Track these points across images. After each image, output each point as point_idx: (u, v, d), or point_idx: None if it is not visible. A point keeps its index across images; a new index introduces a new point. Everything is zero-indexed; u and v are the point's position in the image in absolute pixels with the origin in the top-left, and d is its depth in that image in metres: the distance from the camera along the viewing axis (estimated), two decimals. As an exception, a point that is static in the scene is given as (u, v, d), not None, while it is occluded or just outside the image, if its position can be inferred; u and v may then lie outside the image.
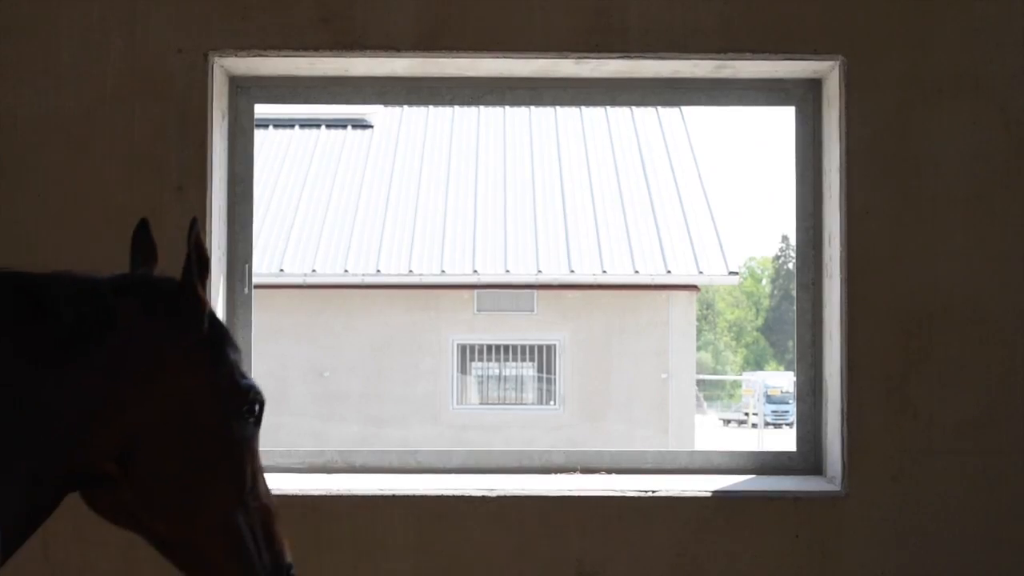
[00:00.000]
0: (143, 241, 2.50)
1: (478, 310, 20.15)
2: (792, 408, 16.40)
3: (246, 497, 2.34)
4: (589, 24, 3.80)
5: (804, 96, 4.06)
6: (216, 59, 3.78)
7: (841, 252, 3.81)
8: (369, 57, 3.83)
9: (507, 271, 19.37)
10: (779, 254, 69.00)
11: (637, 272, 19.20)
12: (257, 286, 4.14)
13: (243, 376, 2.37)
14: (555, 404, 19.92)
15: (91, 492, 2.27)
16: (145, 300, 2.30)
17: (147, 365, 2.23)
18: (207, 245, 2.40)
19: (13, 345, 2.13)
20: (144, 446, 2.22)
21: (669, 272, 19.15)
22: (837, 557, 3.74)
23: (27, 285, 2.22)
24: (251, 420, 2.35)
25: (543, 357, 20.28)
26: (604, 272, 19.18)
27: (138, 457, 2.21)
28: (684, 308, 19.90)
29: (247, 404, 2.33)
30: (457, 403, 20.07)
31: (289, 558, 2.40)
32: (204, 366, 2.30)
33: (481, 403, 20.52)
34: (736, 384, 43.32)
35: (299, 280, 18.30)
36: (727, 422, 39.56)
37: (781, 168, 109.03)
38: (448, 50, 3.81)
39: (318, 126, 22.24)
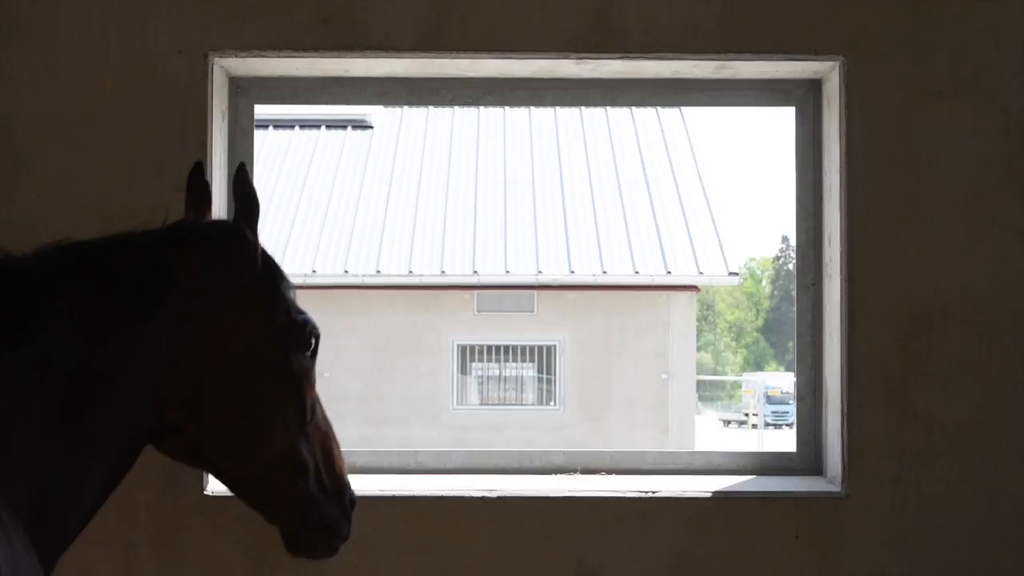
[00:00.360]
0: (197, 186, 2.55)
1: (478, 311, 20.17)
2: (792, 409, 16.44)
3: (308, 427, 2.43)
4: (589, 25, 3.80)
5: (804, 97, 4.06)
6: (216, 60, 3.78)
7: (841, 253, 3.81)
8: (369, 58, 3.83)
9: (507, 272, 19.39)
10: (779, 255, 69.03)
11: (637, 273, 19.22)
12: (257, 287, 4.14)
13: (299, 311, 2.45)
14: (555, 405, 19.93)
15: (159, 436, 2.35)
16: (200, 248, 2.36)
17: (207, 312, 2.30)
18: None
19: (78, 318, 2.17)
20: (209, 389, 2.30)
21: (669, 273, 19.18)
22: (837, 558, 3.74)
23: (86, 255, 2.27)
24: (308, 353, 2.43)
25: (543, 358, 20.29)
26: (604, 273, 19.20)
27: (204, 400, 2.30)
28: (684, 309, 19.92)
29: (304, 338, 2.42)
30: (457, 404, 20.09)
31: (348, 480, 2.51)
32: (261, 305, 2.38)
33: (481, 404, 20.54)
34: (736, 385, 43.32)
35: (299, 280, 17.91)
36: (727, 423, 39.57)
37: (781, 168, 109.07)
38: (448, 51, 3.81)
39: (318, 127, 22.27)
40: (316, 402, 2.47)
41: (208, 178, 3.73)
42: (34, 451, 2.07)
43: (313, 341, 2.45)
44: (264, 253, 2.44)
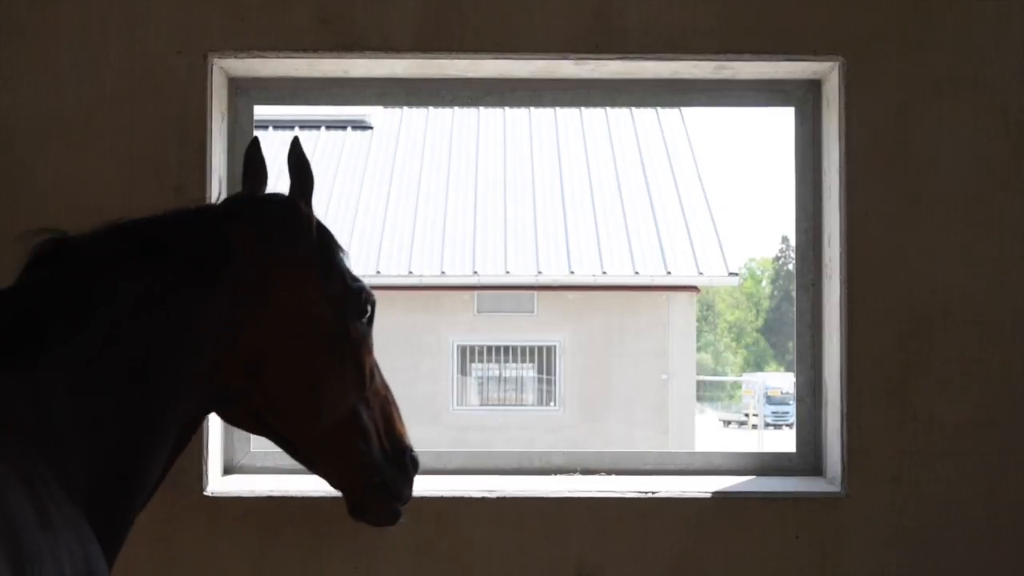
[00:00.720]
0: (254, 161, 2.62)
1: (478, 311, 20.17)
2: (792, 409, 16.43)
3: (367, 392, 2.50)
4: (588, 25, 3.80)
5: (804, 97, 4.06)
6: (215, 60, 3.78)
7: (841, 253, 3.81)
8: (369, 58, 3.83)
9: (507, 272, 19.38)
10: (779, 255, 69.03)
11: (637, 273, 19.21)
12: (257, 287, 4.13)
13: (354, 279, 2.52)
14: (555, 405, 19.92)
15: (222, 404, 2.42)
16: (256, 221, 2.43)
17: (265, 284, 2.36)
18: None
19: (141, 293, 2.23)
20: (269, 358, 2.36)
21: (669, 273, 19.17)
22: (837, 558, 3.74)
23: (144, 232, 2.33)
24: (364, 320, 2.51)
25: (543, 358, 20.29)
26: (604, 273, 19.20)
27: (265, 369, 2.36)
28: (684, 309, 19.91)
29: (360, 305, 2.50)
30: (457, 404, 20.09)
31: (409, 442, 2.58)
32: (317, 274, 2.44)
33: (481, 404, 20.54)
34: (736, 385, 43.32)
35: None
36: (727, 423, 39.57)
37: (781, 169, 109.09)
38: (447, 51, 3.81)
39: (318, 127, 22.27)
40: (375, 368, 2.55)
41: (208, 176, 3.75)
42: (104, 421, 2.13)
43: (369, 308, 2.52)
44: (319, 223, 2.51)
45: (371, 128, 22.48)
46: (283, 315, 2.37)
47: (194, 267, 2.30)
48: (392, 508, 2.61)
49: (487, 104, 4.15)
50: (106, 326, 2.17)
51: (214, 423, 3.77)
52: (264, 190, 2.59)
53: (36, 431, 2.03)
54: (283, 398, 2.39)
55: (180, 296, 2.27)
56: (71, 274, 2.21)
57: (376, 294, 2.60)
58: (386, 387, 2.59)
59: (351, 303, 2.49)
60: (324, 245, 2.50)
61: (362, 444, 2.49)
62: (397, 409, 2.60)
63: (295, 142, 2.48)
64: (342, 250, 2.54)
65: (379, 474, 2.53)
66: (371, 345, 2.54)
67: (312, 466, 2.55)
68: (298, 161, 2.48)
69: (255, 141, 2.64)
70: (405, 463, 2.58)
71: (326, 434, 2.46)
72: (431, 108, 19.89)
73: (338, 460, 2.51)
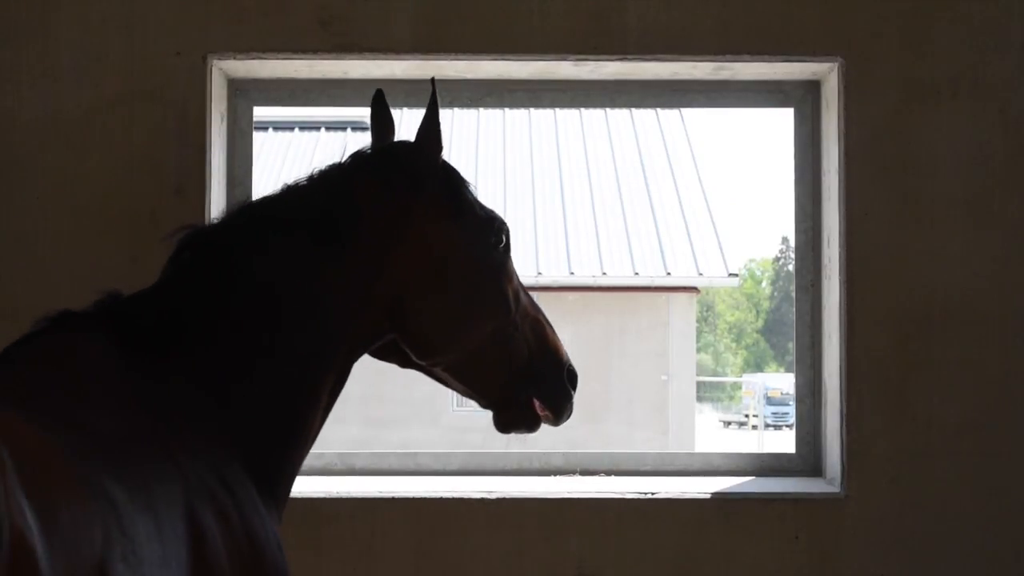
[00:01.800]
0: (380, 113, 2.70)
1: (478, 312, 20.11)
2: (792, 410, 16.37)
3: (514, 316, 2.57)
4: (588, 26, 3.80)
5: (803, 98, 4.06)
6: (215, 62, 3.78)
7: (840, 253, 3.81)
8: (368, 59, 3.83)
9: (507, 273, 19.32)
10: (779, 255, 69.00)
11: (637, 274, 19.20)
12: (257, 288, 4.13)
13: (484, 209, 2.59)
14: (555, 406, 19.87)
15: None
16: (381, 170, 2.51)
17: (396, 230, 2.45)
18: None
19: (274, 269, 2.36)
20: (412, 297, 2.47)
21: (669, 274, 19.15)
22: (836, 559, 3.74)
23: (274, 207, 2.44)
24: (500, 247, 2.58)
25: (543, 359, 20.22)
26: (604, 274, 19.18)
27: (407, 311, 2.47)
28: (684, 310, 19.89)
29: (494, 234, 2.57)
30: (457, 405, 20.07)
31: (566, 357, 2.66)
32: (448, 212, 2.52)
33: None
34: (736, 386, 43.30)
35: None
36: (727, 424, 39.56)
37: (780, 169, 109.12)
38: (447, 52, 3.81)
39: (318, 128, 22.26)
40: (519, 291, 2.62)
41: (207, 177, 3.75)
42: (258, 391, 2.28)
43: (504, 236, 2.59)
44: (445, 162, 2.57)
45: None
46: (418, 256, 2.46)
47: (323, 230, 2.39)
48: (538, 420, 2.68)
49: (486, 105, 4.15)
50: (248, 303, 2.31)
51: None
52: (391, 140, 2.67)
53: (199, 411, 2.18)
54: (428, 334, 2.49)
55: (314, 260, 2.38)
56: (209, 261, 2.34)
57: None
58: (536, 308, 2.66)
59: (484, 234, 2.56)
60: (452, 182, 2.57)
61: (509, 367, 2.58)
62: (550, 327, 2.67)
63: (432, 82, 2.57)
64: (470, 184, 2.62)
65: (525, 391, 2.61)
66: (511, 271, 2.61)
67: (461, 390, 2.65)
68: (429, 104, 2.55)
69: (379, 94, 2.71)
70: (562, 379, 2.65)
71: (473, 362, 2.56)
72: (431, 109, 19.86)
73: (484, 384, 2.60)
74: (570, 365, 2.68)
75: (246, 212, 2.46)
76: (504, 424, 2.69)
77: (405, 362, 2.59)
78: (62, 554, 1.60)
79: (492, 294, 2.55)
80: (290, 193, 2.47)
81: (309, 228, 2.40)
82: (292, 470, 2.38)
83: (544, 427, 2.72)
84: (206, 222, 3.72)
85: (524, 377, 2.60)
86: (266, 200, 2.47)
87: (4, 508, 1.51)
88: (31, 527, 1.55)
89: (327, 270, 2.39)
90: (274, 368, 2.32)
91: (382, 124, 2.68)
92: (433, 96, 2.55)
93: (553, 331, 2.66)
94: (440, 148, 2.56)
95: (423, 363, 2.56)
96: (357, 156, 2.56)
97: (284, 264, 2.36)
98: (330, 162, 2.54)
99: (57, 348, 2.12)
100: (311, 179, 2.50)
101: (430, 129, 2.55)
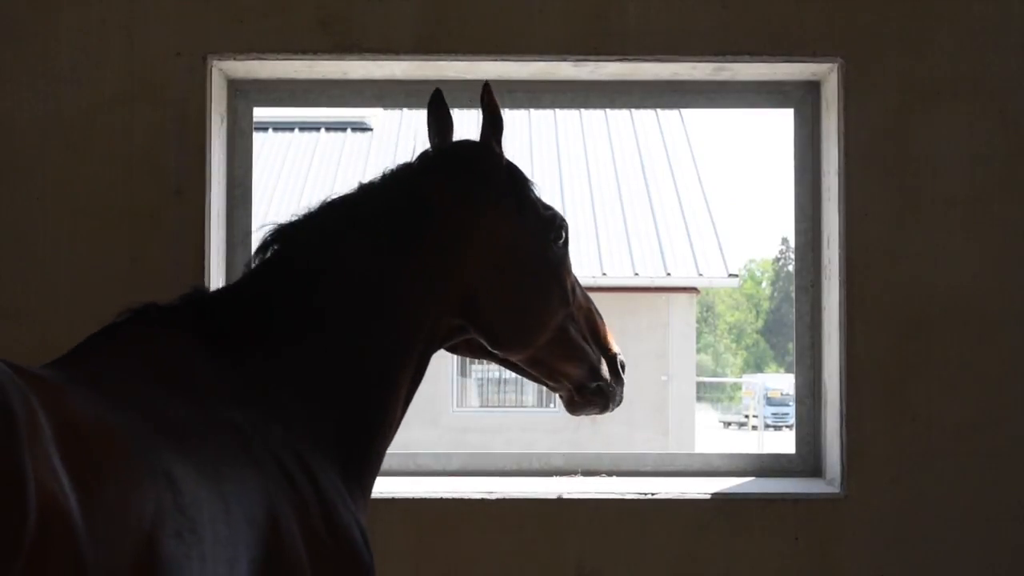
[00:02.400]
0: (438, 112, 2.76)
1: (478, 313, 20.10)
2: (792, 410, 16.35)
3: (572, 308, 2.72)
4: (588, 27, 3.80)
5: (803, 98, 4.06)
6: (215, 62, 3.78)
7: (840, 254, 3.81)
8: (368, 60, 3.83)
9: (506, 273, 19.32)
10: (779, 256, 69.00)
11: (637, 274, 19.19)
12: (256, 289, 4.13)
13: (546, 207, 2.70)
14: (555, 407, 19.87)
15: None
16: (449, 172, 2.60)
17: (466, 229, 2.55)
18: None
19: (352, 272, 2.45)
20: (481, 294, 2.58)
21: (669, 274, 19.15)
22: (836, 559, 3.74)
23: (349, 210, 2.53)
24: (560, 243, 2.70)
25: (543, 360, 20.21)
26: (604, 275, 19.17)
27: (479, 306, 2.58)
28: (684, 310, 19.90)
29: (554, 230, 2.69)
30: (457, 406, 20.07)
31: (615, 347, 2.81)
32: (513, 210, 2.62)
33: (481, 406, 20.52)
34: (736, 386, 43.29)
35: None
36: (727, 424, 39.55)
37: (780, 170, 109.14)
38: (447, 53, 3.81)
39: (317, 129, 22.26)
40: (575, 283, 2.74)
41: (207, 178, 3.75)
42: (342, 388, 2.39)
43: (564, 233, 2.70)
44: (508, 162, 2.66)
45: (371, 130, 22.47)
46: (488, 254, 2.56)
47: (398, 232, 2.49)
48: (604, 405, 2.81)
49: (486, 106, 4.14)
50: (332, 299, 2.41)
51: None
52: (451, 139, 2.73)
53: (281, 405, 2.25)
54: (499, 328, 2.61)
55: (394, 259, 2.47)
56: (294, 258, 2.44)
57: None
58: (588, 299, 2.79)
59: (546, 230, 2.66)
60: (515, 182, 2.66)
61: (575, 354, 2.72)
62: (601, 318, 2.80)
63: (487, 86, 2.63)
64: (532, 183, 2.71)
65: (592, 379, 2.75)
66: (569, 265, 2.73)
67: (532, 377, 2.77)
68: (489, 105, 2.63)
69: (438, 92, 2.77)
70: (616, 367, 2.78)
71: (542, 351, 2.68)
72: (431, 110, 19.87)
73: (554, 370, 2.73)
74: (620, 355, 2.81)
75: (327, 211, 2.53)
76: (576, 407, 2.81)
77: (480, 355, 2.73)
78: (103, 523, 1.63)
79: (556, 287, 2.67)
80: (366, 194, 2.55)
81: (388, 228, 2.49)
82: (378, 460, 2.49)
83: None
84: (206, 222, 3.73)
85: (585, 364, 2.73)
86: (345, 200, 2.55)
87: (32, 470, 1.54)
88: (66, 493, 1.58)
89: (405, 268, 2.49)
90: (356, 362, 2.41)
91: (442, 123, 2.74)
92: (491, 96, 2.62)
93: (603, 321, 2.80)
94: (502, 148, 2.65)
95: (498, 353, 2.68)
96: (425, 157, 2.64)
97: (366, 263, 2.45)
98: (399, 163, 2.62)
99: (138, 339, 2.19)
100: (384, 179, 2.58)
101: (495, 130, 2.64)
